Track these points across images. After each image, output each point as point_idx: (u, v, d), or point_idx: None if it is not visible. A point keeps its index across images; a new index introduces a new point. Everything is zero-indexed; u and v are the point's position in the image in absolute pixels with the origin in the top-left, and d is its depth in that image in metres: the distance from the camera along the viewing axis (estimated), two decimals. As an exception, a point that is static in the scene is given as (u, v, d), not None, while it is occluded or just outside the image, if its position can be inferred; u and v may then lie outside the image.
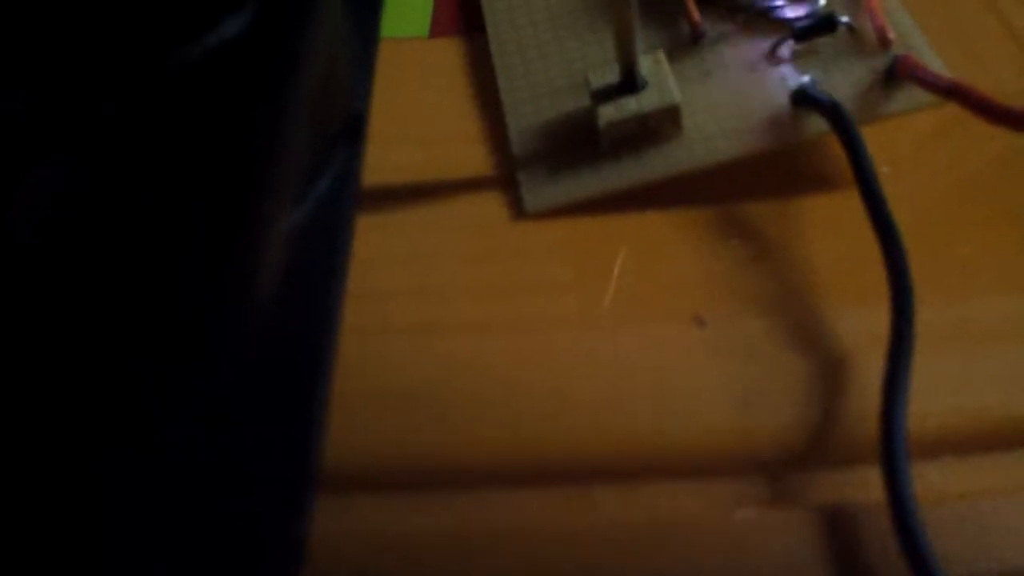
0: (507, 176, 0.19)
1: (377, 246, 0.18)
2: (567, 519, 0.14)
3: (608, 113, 0.18)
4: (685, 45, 0.20)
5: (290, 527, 0.13)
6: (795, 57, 0.19)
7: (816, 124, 0.18)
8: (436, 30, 0.23)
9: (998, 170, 0.18)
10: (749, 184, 0.18)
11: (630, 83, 0.18)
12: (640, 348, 0.16)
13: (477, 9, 0.22)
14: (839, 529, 0.13)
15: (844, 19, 0.19)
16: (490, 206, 0.19)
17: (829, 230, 0.17)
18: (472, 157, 0.20)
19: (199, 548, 0.13)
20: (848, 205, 0.16)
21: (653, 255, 0.18)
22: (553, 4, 0.22)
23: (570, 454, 0.15)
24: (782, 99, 0.18)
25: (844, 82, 0.18)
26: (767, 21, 0.20)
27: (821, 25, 0.19)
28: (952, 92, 0.16)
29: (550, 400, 0.15)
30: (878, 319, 0.15)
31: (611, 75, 0.18)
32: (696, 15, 0.20)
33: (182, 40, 0.15)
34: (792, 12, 0.19)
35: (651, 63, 0.19)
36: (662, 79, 0.18)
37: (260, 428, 0.14)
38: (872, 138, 0.17)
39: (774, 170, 0.18)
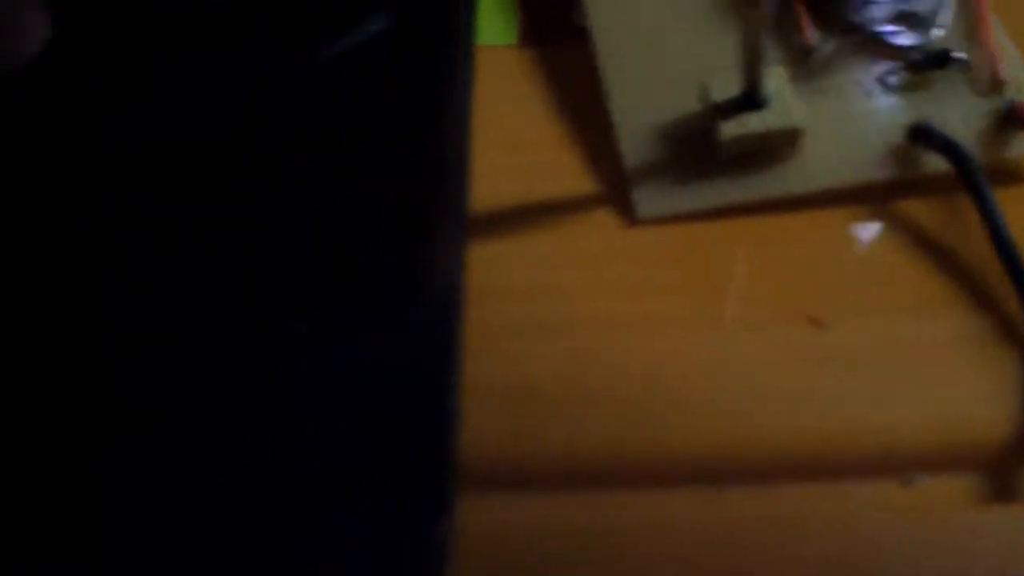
0: (618, 182, 0.19)
1: (495, 248, 0.18)
2: (701, 518, 0.14)
3: (730, 128, 0.18)
4: (796, 60, 0.20)
5: (434, 527, 0.14)
6: (905, 87, 0.19)
7: (934, 161, 0.18)
8: (525, 39, 0.23)
9: None
10: (865, 196, 0.19)
11: (752, 99, 0.18)
12: (761, 351, 0.16)
13: (566, 18, 0.22)
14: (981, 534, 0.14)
15: (959, 55, 0.19)
16: (602, 211, 0.19)
17: (945, 237, 0.18)
18: (579, 163, 0.20)
19: (348, 552, 0.13)
20: (965, 219, 0.17)
21: (766, 258, 0.18)
22: (662, 6, 0.21)
23: (702, 454, 0.15)
24: (896, 129, 0.19)
25: (957, 119, 0.19)
26: (880, 45, 0.20)
27: (935, 59, 0.19)
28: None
29: (675, 400, 0.16)
30: (997, 320, 0.15)
31: (732, 88, 0.19)
32: (808, 31, 0.20)
33: (332, 34, 0.15)
34: (906, 39, 0.20)
35: (772, 79, 0.19)
36: (784, 98, 0.19)
37: (397, 428, 0.15)
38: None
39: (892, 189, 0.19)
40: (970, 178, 0.17)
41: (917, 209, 0.18)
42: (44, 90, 0.16)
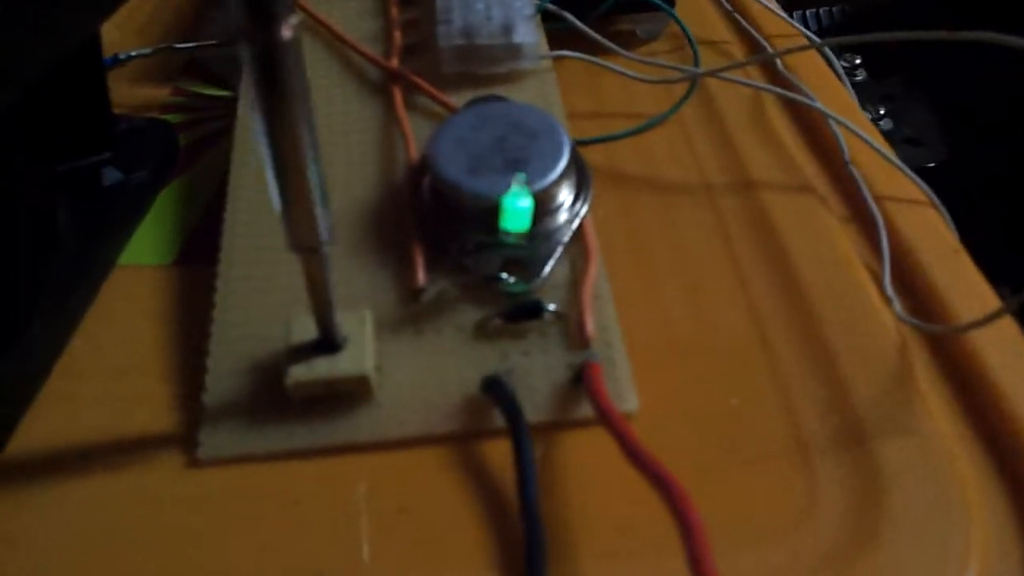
0: (195, 420, 0.18)
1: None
2: None
3: (298, 372, 0.18)
4: (406, 299, 0.20)
5: None
6: (505, 335, 0.19)
7: (501, 418, 0.18)
8: (183, 258, 0.22)
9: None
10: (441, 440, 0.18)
11: (328, 341, 0.18)
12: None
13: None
14: None
15: (551, 307, 0.19)
16: (169, 450, 0.18)
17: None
18: (163, 395, 0.19)
19: None
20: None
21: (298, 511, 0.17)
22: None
23: None
24: (478, 379, 0.18)
25: (540, 371, 0.19)
26: (488, 291, 0.20)
27: (528, 309, 0.20)
28: (603, 418, 0.17)
29: None
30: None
31: (311, 329, 0.18)
32: (420, 273, 0.20)
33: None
34: (516, 286, 0.20)
35: (355, 323, 0.18)
36: (361, 343, 0.18)
37: None
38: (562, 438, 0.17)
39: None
40: (516, 440, 0.17)
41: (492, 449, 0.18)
42: None
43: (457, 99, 0.24)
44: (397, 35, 0.27)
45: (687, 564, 0.13)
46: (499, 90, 0.25)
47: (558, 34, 0.28)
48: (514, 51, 0.25)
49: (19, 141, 0.19)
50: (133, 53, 0.27)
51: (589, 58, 0.27)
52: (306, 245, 0.16)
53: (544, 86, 0.25)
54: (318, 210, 0.15)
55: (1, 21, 0.15)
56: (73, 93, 0.21)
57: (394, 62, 0.26)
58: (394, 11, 0.28)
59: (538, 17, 0.27)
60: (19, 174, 0.20)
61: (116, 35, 0.30)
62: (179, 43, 0.28)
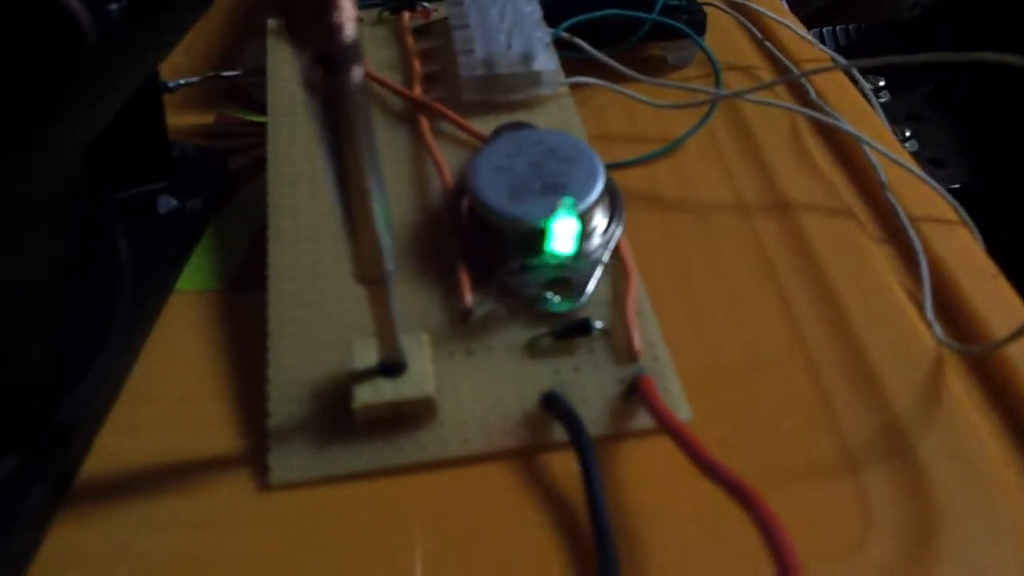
0: (260, 444, 0.19)
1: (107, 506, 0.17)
2: None
3: (364, 395, 0.18)
4: (454, 322, 0.21)
5: None
6: (551, 352, 0.20)
7: (562, 432, 0.18)
8: (237, 282, 0.23)
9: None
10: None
11: (390, 365, 0.19)
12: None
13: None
14: None
15: (599, 324, 0.20)
16: (239, 472, 0.18)
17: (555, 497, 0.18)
18: (226, 419, 0.19)
19: None
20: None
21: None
22: (339, 259, 0.22)
23: None
24: (534, 396, 0.19)
25: (593, 387, 0.19)
26: (534, 310, 0.21)
27: (578, 327, 0.20)
28: (667, 428, 0.17)
29: None
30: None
31: (373, 353, 0.19)
32: (467, 296, 0.21)
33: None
34: (561, 305, 0.21)
35: (414, 345, 0.19)
36: (422, 365, 0.19)
37: None
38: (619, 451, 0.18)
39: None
40: (582, 454, 0.17)
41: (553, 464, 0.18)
42: None
43: (479, 126, 0.25)
44: (416, 64, 0.27)
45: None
46: (519, 116, 0.26)
47: (577, 60, 0.28)
48: (534, 79, 0.26)
49: (83, 170, 0.20)
50: (182, 81, 0.28)
51: (606, 84, 0.28)
52: (373, 277, 0.16)
53: (564, 112, 0.26)
54: (384, 243, 0.15)
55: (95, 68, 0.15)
56: (132, 122, 0.22)
57: (416, 91, 0.26)
58: (409, 40, 0.29)
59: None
60: (84, 203, 0.21)
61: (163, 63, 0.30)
62: (224, 71, 0.28)
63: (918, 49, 0.22)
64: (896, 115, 0.38)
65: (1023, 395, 0.19)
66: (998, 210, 0.35)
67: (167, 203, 0.23)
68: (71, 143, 0.17)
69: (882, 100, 0.38)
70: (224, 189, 0.25)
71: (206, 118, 0.29)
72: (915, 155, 0.36)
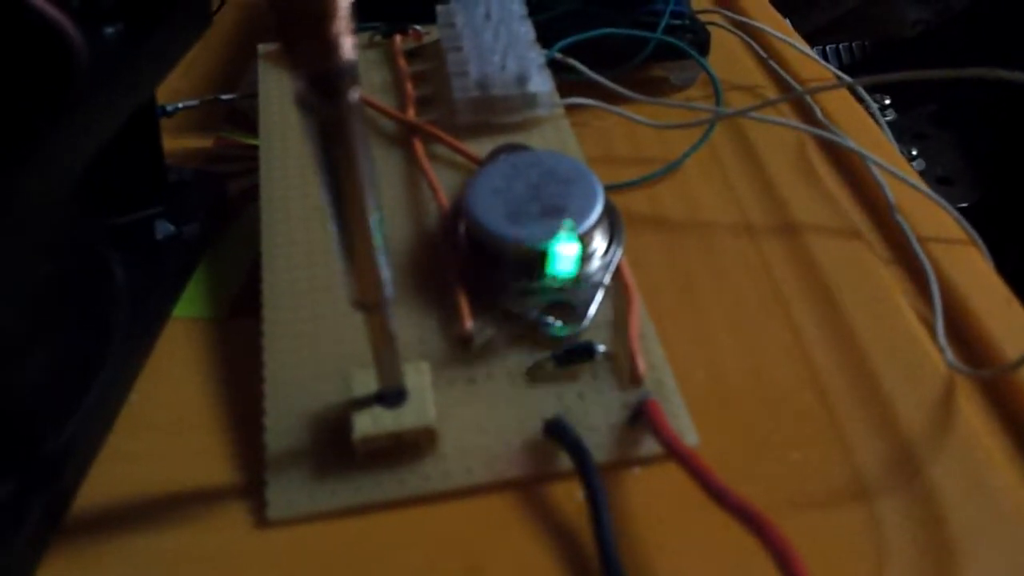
0: (257, 476, 0.18)
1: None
2: None
3: (363, 426, 0.18)
4: (454, 347, 0.20)
5: None
6: (553, 377, 0.20)
7: (567, 460, 0.18)
8: (234, 310, 0.23)
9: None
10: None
11: (390, 395, 0.18)
12: None
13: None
14: None
15: (602, 348, 0.20)
16: (233, 508, 0.18)
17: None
18: (222, 450, 0.19)
19: None
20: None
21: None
22: (333, 289, 0.22)
23: None
24: (537, 422, 0.19)
25: (598, 412, 0.19)
26: (535, 335, 0.20)
27: (581, 351, 0.20)
28: (676, 455, 0.17)
29: None
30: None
31: (372, 382, 0.18)
32: (467, 321, 0.20)
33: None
34: (562, 330, 0.20)
35: (413, 373, 0.19)
36: (422, 394, 0.18)
37: None
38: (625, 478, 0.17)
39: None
40: (588, 483, 0.17)
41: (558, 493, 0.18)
42: None
43: (473, 148, 0.25)
44: (409, 87, 0.27)
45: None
46: (514, 138, 0.25)
47: (576, 81, 0.28)
48: (529, 100, 0.26)
49: (77, 196, 0.20)
50: (181, 105, 0.27)
51: (602, 104, 0.28)
52: (371, 303, 0.16)
53: (560, 133, 0.26)
54: (381, 269, 0.15)
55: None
56: (128, 147, 0.22)
57: (410, 113, 0.26)
58: (402, 63, 0.28)
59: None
60: (78, 230, 0.21)
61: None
62: (223, 93, 0.28)
63: (923, 67, 0.22)
64: (902, 134, 0.38)
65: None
66: (1007, 227, 0.34)
67: (164, 228, 0.23)
68: (63, 168, 0.17)
69: (888, 118, 0.38)
70: (223, 213, 0.25)
71: (206, 141, 0.29)
72: (923, 174, 0.36)
